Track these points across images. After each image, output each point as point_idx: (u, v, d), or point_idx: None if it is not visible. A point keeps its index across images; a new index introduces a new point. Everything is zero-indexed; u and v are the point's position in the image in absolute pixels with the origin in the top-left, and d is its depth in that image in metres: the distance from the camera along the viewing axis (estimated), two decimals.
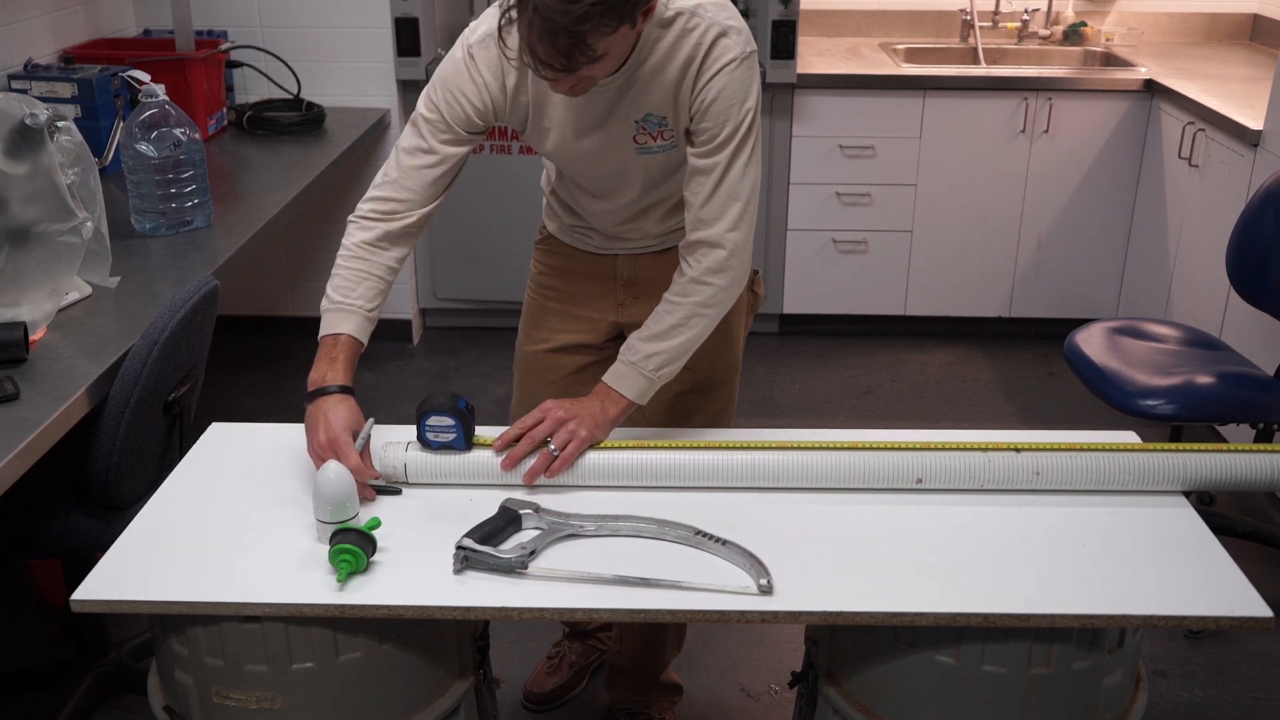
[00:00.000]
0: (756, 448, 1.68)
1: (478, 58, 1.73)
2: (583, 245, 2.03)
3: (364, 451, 1.66)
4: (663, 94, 1.72)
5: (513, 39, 1.61)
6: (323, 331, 1.76)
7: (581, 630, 2.47)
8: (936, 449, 1.67)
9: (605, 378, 1.78)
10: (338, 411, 1.66)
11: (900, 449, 1.67)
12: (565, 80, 1.58)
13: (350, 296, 1.76)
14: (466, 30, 1.76)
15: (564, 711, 2.46)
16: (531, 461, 1.67)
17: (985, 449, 1.67)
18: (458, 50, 1.75)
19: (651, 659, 2.30)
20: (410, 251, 1.84)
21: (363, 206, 1.81)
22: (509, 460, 1.67)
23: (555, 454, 1.66)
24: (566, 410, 1.69)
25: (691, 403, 2.00)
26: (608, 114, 1.75)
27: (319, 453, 1.64)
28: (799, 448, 1.68)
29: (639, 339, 1.78)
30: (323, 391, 1.69)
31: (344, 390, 1.69)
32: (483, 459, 1.68)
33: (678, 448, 1.69)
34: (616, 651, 2.35)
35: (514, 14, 1.53)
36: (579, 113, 1.76)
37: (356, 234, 1.80)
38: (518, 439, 1.68)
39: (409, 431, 1.71)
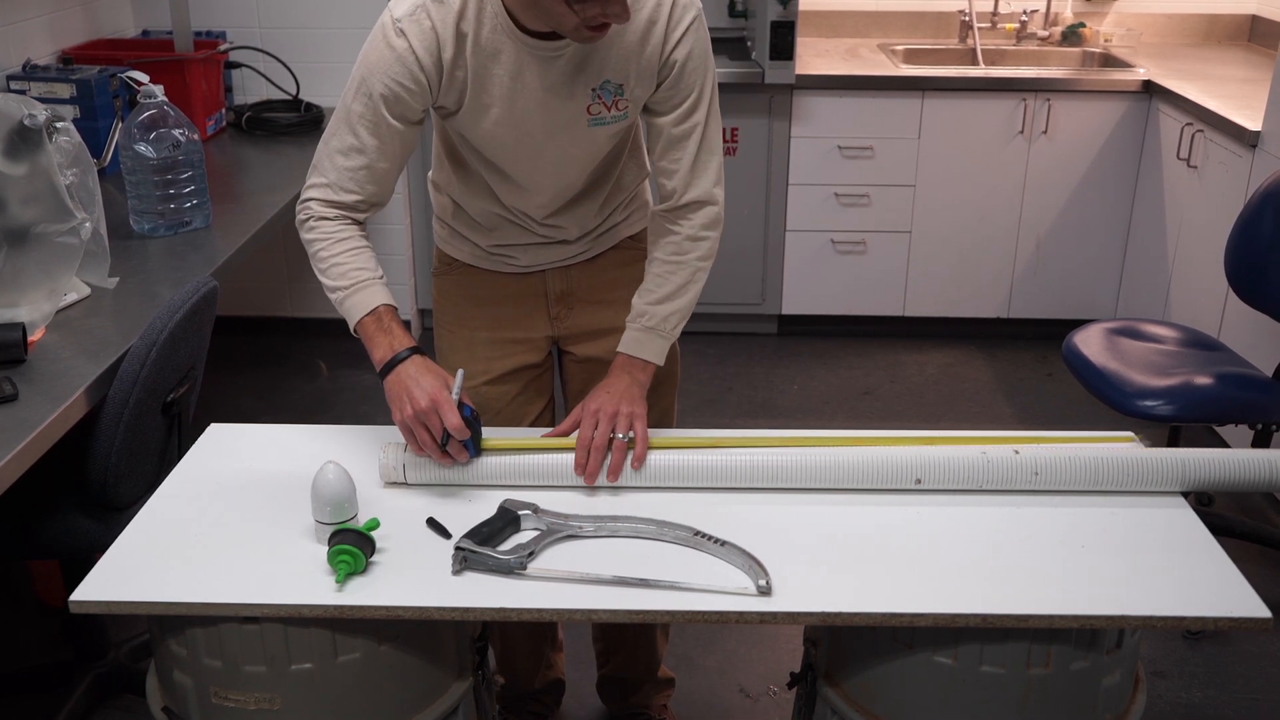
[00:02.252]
0: (756, 445, 1.68)
1: (409, 32, 1.61)
2: (504, 268, 1.93)
3: (460, 402, 1.63)
4: (622, 58, 1.67)
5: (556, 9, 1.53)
6: (358, 314, 1.69)
7: (522, 696, 2.33)
8: (936, 444, 1.67)
9: (624, 348, 1.78)
10: (426, 375, 1.63)
11: (899, 444, 1.67)
12: (622, 13, 1.53)
13: (362, 274, 1.69)
14: (389, 7, 1.64)
15: (581, 699, 2.46)
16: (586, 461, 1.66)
17: (983, 442, 1.67)
18: (382, 31, 1.64)
19: (646, 657, 2.30)
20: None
21: (315, 205, 1.72)
22: (590, 477, 1.65)
23: (624, 439, 1.65)
24: (610, 402, 1.69)
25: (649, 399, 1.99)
26: (561, 84, 1.68)
27: (421, 419, 1.60)
28: (799, 444, 1.68)
29: (649, 303, 1.77)
30: (398, 359, 1.65)
31: (416, 351, 1.66)
32: (482, 460, 1.68)
33: (677, 448, 1.69)
34: (607, 664, 2.34)
35: None
36: (525, 86, 1.67)
37: (324, 225, 1.71)
38: (586, 456, 1.65)
39: None
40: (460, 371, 1.68)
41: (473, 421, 1.64)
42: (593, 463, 1.64)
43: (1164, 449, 1.68)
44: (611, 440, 1.66)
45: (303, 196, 1.75)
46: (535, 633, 2.23)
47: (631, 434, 1.67)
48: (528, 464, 1.68)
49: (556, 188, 1.82)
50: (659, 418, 2.01)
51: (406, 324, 4.16)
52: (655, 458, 1.68)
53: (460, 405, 1.63)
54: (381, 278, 1.72)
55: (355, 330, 1.71)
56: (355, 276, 1.70)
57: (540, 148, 1.75)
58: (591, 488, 1.68)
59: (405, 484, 1.68)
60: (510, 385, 1.98)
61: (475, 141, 1.77)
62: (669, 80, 1.70)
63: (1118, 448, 1.69)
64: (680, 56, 1.68)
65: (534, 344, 1.99)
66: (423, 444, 1.62)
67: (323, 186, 1.72)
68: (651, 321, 1.77)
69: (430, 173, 1.97)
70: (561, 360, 2.07)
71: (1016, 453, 1.66)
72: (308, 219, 1.74)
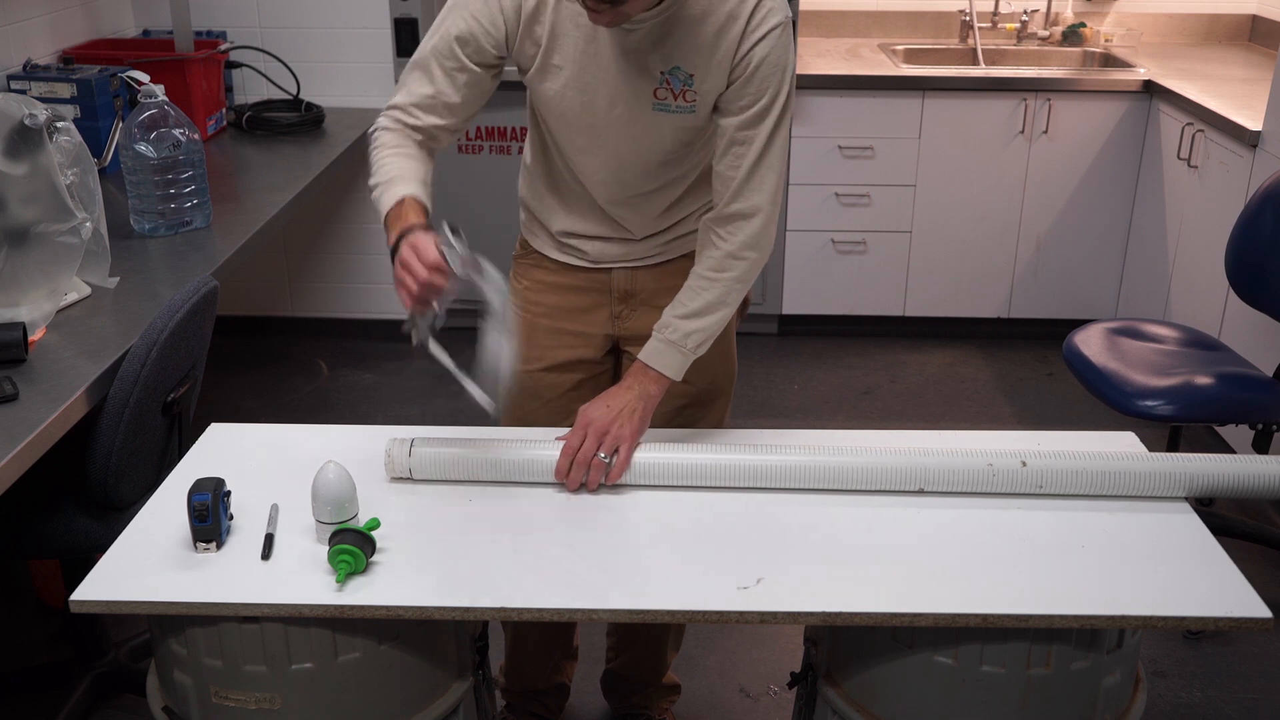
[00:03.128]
0: (760, 450, 1.68)
1: None
2: (574, 261, 1.95)
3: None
4: (698, 49, 1.66)
5: None
6: (384, 207, 1.67)
7: (525, 695, 2.33)
8: (940, 455, 1.65)
9: (643, 356, 1.76)
10: (423, 239, 1.56)
11: (903, 456, 1.66)
12: (608, 13, 1.54)
13: (403, 173, 1.69)
14: None
15: (580, 700, 2.46)
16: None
17: (986, 445, 1.67)
18: None
19: (654, 661, 2.30)
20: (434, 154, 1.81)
21: (385, 120, 1.76)
22: (571, 484, 1.66)
23: (606, 460, 1.65)
24: (607, 419, 1.67)
25: (692, 415, 1.98)
26: (633, 60, 1.68)
27: (404, 268, 1.55)
28: (800, 450, 1.68)
29: (676, 316, 1.76)
30: (404, 235, 1.58)
31: (422, 229, 1.60)
32: (488, 458, 1.68)
33: (681, 450, 1.69)
34: (614, 660, 2.34)
35: None
36: (599, 52, 1.68)
37: (387, 136, 1.75)
38: (569, 465, 1.66)
39: (413, 431, 1.71)
40: (445, 223, 1.59)
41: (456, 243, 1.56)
42: (574, 474, 1.66)
43: (1172, 455, 1.66)
44: (596, 457, 1.66)
45: (380, 115, 1.78)
46: (547, 636, 2.23)
47: (614, 456, 1.66)
48: (533, 461, 1.68)
49: (614, 170, 1.81)
50: (711, 428, 2.02)
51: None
52: (660, 458, 1.68)
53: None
54: (424, 183, 1.71)
55: (384, 224, 1.67)
56: (391, 174, 1.70)
57: (603, 120, 1.74)
58: (607, 488, 1.68)
59: (411, 480, 1.68)
60: (564, 376, 1.99)
61: (541, 106, 1.78)
62: (740, 80, 1.67)
63: (1124, 456, 1.67)
64: (755, 60, 1.65)
65: (592, 340, 1.99)
66: (409, 289, 1.55)
67: (396, 107, 1.76)
68: (674, 335, 1.75)
69: (524, 147, 1.99)
70: (621, 360, 2.06)
71: (1024, 464, 1.65)
72: (376, 131, 1.77)
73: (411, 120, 1.75)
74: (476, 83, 1.74)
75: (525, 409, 1.98)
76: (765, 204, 1.72)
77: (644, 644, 2.27)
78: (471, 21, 1.69)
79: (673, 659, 2.33)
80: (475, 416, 1.74)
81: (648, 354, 1.77)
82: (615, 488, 1.68)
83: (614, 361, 2.05)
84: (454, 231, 1.56)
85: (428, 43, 1.74)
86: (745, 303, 2.03)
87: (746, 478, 1.67)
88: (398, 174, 1.70)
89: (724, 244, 1.74)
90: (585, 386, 1.99)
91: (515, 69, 1.78)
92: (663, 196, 1.86)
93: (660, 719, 2.35)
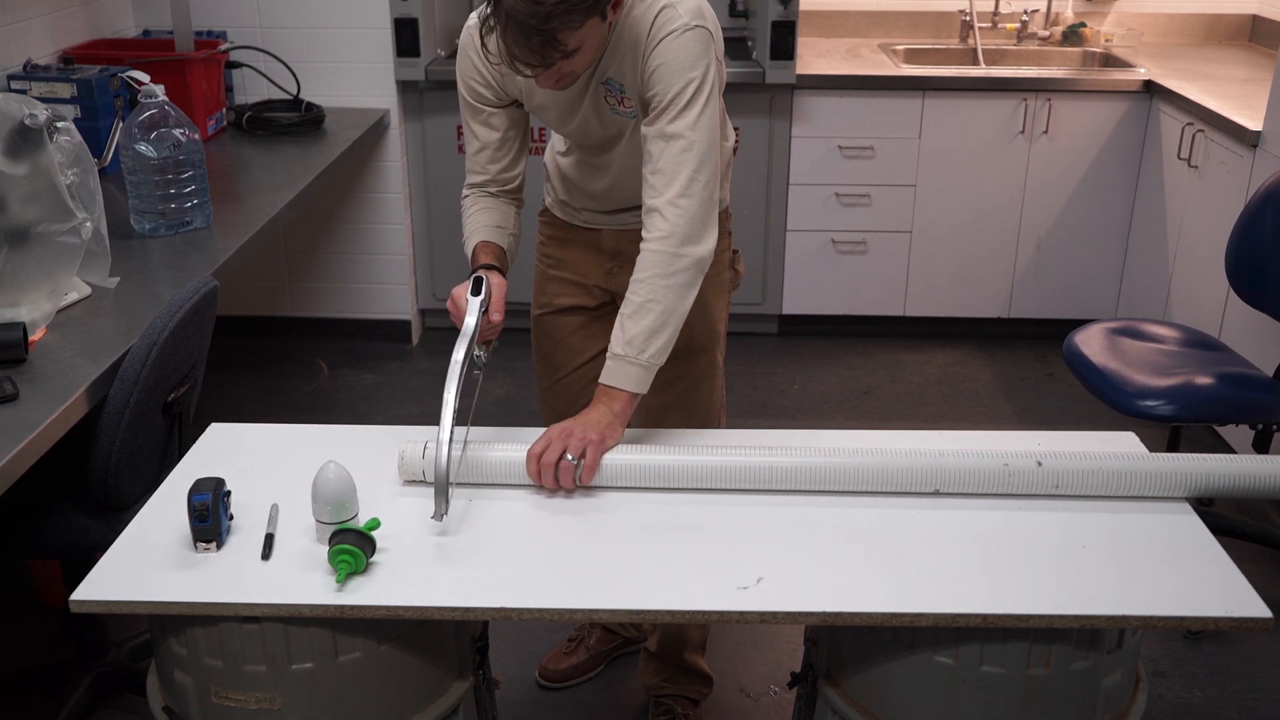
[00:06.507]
0: (766, 452, 1.68)
1: (475, 39, 1.85)
2: (573, 220, 2.16)
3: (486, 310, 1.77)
4: (620, 62, 1.83)
5: (493, 43, 1.73)
6: (469, 259, 1.94)
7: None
8: (955, 457, 1.65)
9: (601, 378, 1.78)
10: (458, 289, 1.79)
11: (917, 456, 1.65)
12: (546, 76, 1.72)
13: (472, 227, 1.96)
14: (472, 14, 1.86)
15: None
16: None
17: (995, 444, 1.67)
18: (463, 35, 1.91)
19: (674, 644, 2.34)
20: (520, 204, 2.04)
21: (465, 189, 2.02)
22: (549, 485, 1.67)
23: (573, 461, 1.65)
24: (574, 426, 1.68)
25: (672, 369, 2.00)
26: (586, 85, 1.87)
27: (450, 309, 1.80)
28: (809, 448, 1.68)
29: (618, 330, 1.78)
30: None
31: (482, 268, 1.84)
32: (486, 461, 1.68)
33: (691, 454, 1.69)
34: (649, 638, 2.38)
35: (492, 20, 1.65)
36: (564, 91, 1.85)
37: (464, 203, 2.01)
38: (536, 468, 1.67)
39: (418, 433, 1.71)
40: (485, 277, 1.80)
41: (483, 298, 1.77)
42: (545, 477, 1.67)
43: (1184, 456, 1.66)
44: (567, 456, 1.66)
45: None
46: None
47: (581, 459, 1.66)
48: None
49: (625, 161, 1.97)
50: (692, 383, 2.17)
51: (406, 325, 4.18)
52: (666, 460, 1.68)
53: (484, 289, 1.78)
54: (496, 229, 1.95)
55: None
56: (468, 230, 1.97)
57: (588, 131, 1.94)
58: (597, 489, 1.68)
59: (424, 483, 1.67)
60: (567, 318, 2.21)
61: (548, 125, 2.01)
62: (645, 85, 1.80)
63: (1135, 457, 1.66)
64: (652, 65, 1.78)
65: (588, 289, 2.18)
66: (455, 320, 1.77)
67: (468, 170, 2.01)
68: (618, 349, 1.77)
69: None
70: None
71: (1040, 464, 1.64)
72: (462, 204, 2.02)
73: (478, 179, 1.99)
74: (507, 115, 1.95)
75: (543, 348, 2.24)
76: (677, 198, 1.77)
77: (665, 625, 2.30)
78: (468, 82, 1.92)
79: (696, 637, 2.36)
80: (476, 417, 1.75)
81: (604, 375, 1.78)
82: (616, 488, 1.68)
83: (614, 309, 2.10)
84: (475, 286, 1.77)
85: (462, 112, 1.98)
86: (736, 276, 2.24)
87: (757, 480, 1.66)
88: (473, 228, 1.97)
89: (645, 242, 1.80)
90: (592, 327, 2.19)
91: None
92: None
93: (685, 713, 2.36)
